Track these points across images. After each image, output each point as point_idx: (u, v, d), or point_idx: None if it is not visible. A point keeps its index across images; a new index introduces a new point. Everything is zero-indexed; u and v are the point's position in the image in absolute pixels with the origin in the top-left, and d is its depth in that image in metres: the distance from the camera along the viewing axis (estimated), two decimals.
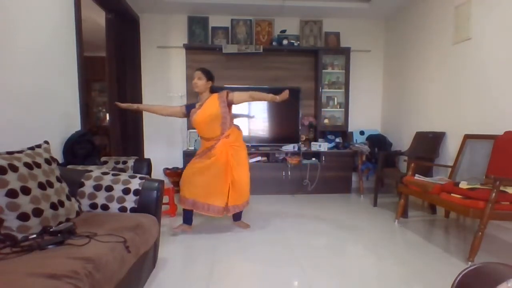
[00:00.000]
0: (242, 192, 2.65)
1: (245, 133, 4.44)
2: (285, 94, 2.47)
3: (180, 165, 4.35)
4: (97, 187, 1.80)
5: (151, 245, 1.73)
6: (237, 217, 2.82)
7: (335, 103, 4.62)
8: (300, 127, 4.44)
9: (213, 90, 2.69)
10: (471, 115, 3.01)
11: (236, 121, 2.70)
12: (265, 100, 2.72)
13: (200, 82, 2.62)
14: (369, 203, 3.72)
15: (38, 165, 1.50)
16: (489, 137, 2.66)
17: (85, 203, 1.78)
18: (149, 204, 1.82)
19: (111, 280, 1.21)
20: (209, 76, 2.64)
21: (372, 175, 4.19)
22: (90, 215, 1.69)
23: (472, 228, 2.87)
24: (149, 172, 2.74)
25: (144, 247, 1.60)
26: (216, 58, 4.45)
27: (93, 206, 1.79)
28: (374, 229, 2.79)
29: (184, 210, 2.64)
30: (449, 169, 3.03)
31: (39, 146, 1.64)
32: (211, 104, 2.59)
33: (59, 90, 2.46)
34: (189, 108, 2.73)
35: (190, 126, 4.50)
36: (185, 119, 4.44)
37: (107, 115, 5.68)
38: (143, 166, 2.73)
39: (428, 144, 3.43)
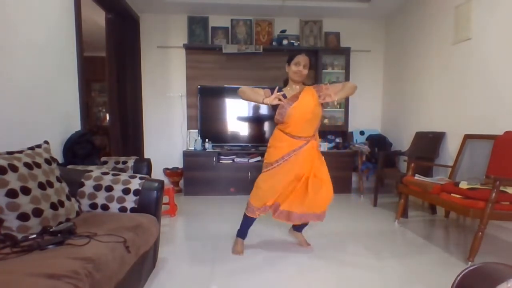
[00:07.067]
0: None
1: (244, 132, 4.48)
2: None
3: (180, 165, 4.35)
4: (97, 187, 1.80)
5: (151, 245, 1.73)
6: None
7: (335, 103, 4.56)
8: None
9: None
10: (471, 115, 3.01)
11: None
12: None
13: (305, 72, 2.20)
14: (369, 203, 3.71)
15: (38, 165, 1.50)
16: (489, 137, 2.66)
17: (85, 203, 1.78)
18: (149, 204, 1.82)
19: (111, 280, 1.21)
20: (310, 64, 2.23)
21: (372, 175, 4.18)
22: (90, 215, 1.68)
23: (472, 228, 2.87)
24: (149, 172, 2.74)
25: (144, 247, 1.60)
26: (216, 58, 4.44)
27: (93, 206, 1.79)
28: (374, 229, 2.79)
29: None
30: (449, 169, 3.03)
31: (39, 146, 1.64)
32: (310, 98, 2.22)
33: (59, 90, 2.46)
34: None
35: (190, 126, 4.52)
36: (185, 119, 4.53)
37: (107, 115, 5.69)
38: (143, 166, 2.72)
39: (428, 144, 3.43)
